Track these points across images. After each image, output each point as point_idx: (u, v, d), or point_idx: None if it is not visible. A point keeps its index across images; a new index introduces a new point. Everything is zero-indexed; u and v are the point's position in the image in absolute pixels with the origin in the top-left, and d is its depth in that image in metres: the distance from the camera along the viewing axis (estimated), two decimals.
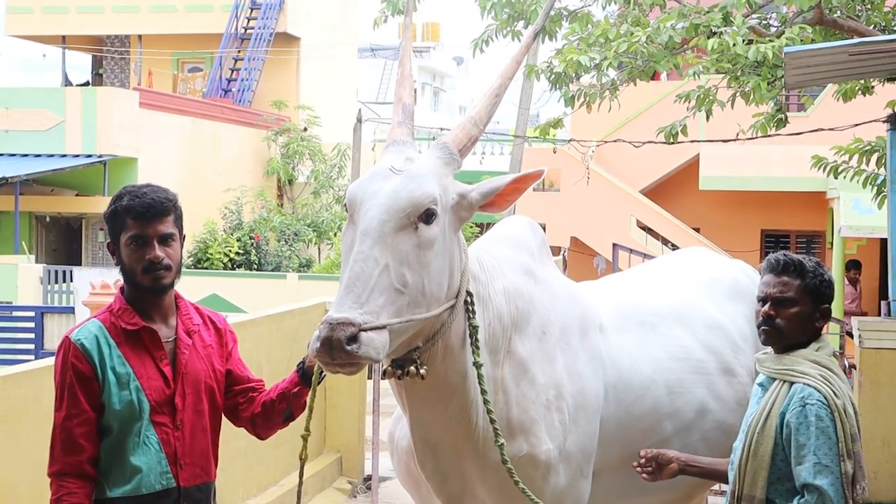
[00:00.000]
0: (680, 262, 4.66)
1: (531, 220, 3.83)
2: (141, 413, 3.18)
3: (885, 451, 7.93)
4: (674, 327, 4.06)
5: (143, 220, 3.20)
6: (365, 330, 2.80)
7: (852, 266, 16.71)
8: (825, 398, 3.14)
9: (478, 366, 3.22)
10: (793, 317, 3.33)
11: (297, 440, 8.86)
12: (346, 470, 9.34)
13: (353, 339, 2.78)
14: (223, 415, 3.47)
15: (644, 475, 3.56)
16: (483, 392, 3.24)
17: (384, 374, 3.15)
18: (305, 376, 3.34)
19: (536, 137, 10.47)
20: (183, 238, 3.33)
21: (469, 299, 3.22)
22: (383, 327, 2.86)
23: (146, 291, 3.25)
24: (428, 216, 3.03)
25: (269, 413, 3.38)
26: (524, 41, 3.76)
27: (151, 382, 3.21)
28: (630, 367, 3.82)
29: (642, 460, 3.58)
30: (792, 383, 3.22)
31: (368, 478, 8.98)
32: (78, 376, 3.17)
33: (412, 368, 3.09)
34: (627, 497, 3.85)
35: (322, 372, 3.24)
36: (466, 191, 3.20)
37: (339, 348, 2.77)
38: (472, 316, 3.22)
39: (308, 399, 3.33)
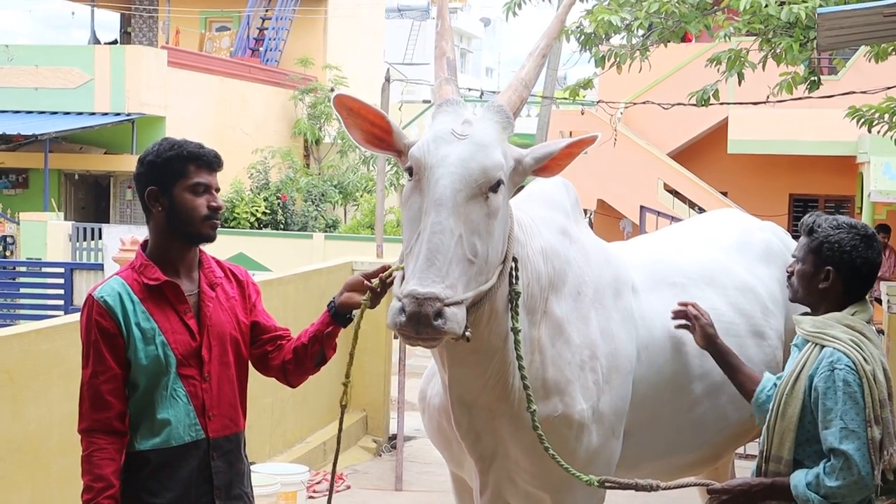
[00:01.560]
0: (711, 223, 4.64)
1: (565, 179, 3.81)
2: (168, 367, 3.20)
3: None
4: (705, 289, 4.05)
5: (208, 168, 3.25)
6: (449, 304, 2.81)
7: (881, 230, 16.51)
8: (854, 363, 3.11)
9: (516, 331, 3.22)
10: (798, 275, 3.35)
11: (323, 398, 8.98)
12: (371, 429, 9.40)
13: (439, 314, 2.78)
14: (252, 365, 3.48)
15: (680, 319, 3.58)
16: (518, 357, 3.24)
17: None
18: (337, 316, 3.33)
19: (565, 99, 10.43)
20: None
21: (514, 264, 3.22)
22: (462, 301, 2.87)
23: (195, 240, 3.28)
24: (496, 185, 3.01)
25: (302, 357, 3.37)
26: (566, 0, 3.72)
27: (177, 336, 3.23)
28: (662, 329, 3.82)
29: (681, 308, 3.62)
30: (823, 346, 3.20)
31: (393, 437, 9.04)
32: (102, 333, 3.18)
33: None
34: (657, 457, 3.86)
35: (351, 312, 3.25)
36: (521, 155, 3.18)
37: (426, 323, 2.77)
38: (515, 282, 3.21)
39: (353, 345, 3.30)
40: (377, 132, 3.19)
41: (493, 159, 3.01)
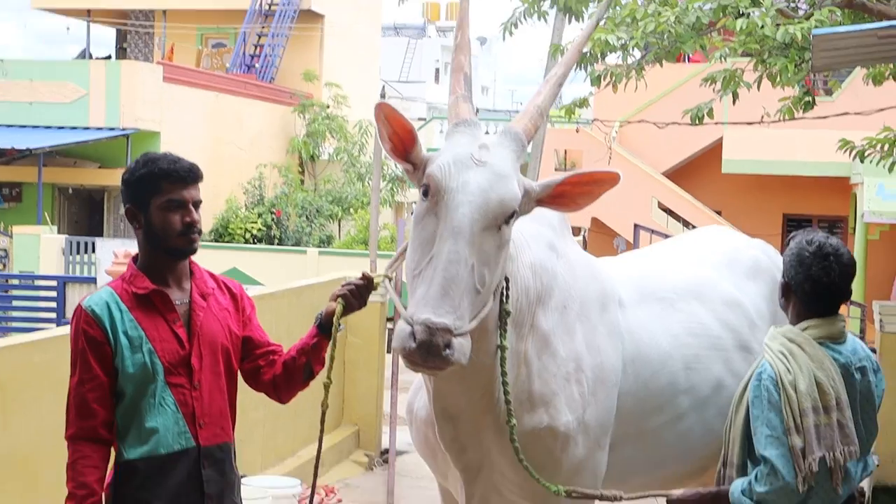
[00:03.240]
0: (700, 239, 4.65)
1: None
2: (155, 375, 3.21)
3: None
4: (692, 303, 4.06)
5: (182, 183, 3.25)
6: (457, 335, 2.83)
7: None
8: (775, 373, 3.22)
9: (503, 349, 3.23)
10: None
11: (314, 413, 8.90)
12: (363, 443, 9.39)
13: (448, 345, 2.81)
14: (243, 379, 3.49)
15: None
16: (503, 374, 3.25)
17: None
18: (323, 328, 3.34)
19: (561, 118, 10.45)
20: None
21: (506, 284, 3.23)
22: (468, 332, 2.89)
23: (175, 255, 3.28)
24: (510, 217, 3.04)
25: (290, 371, 3.38)
26: (586, 29, 3.75)
27: (165, 345, 3.23)
28: (648, 342, 3.83)
29: None
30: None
31: (385, 451, 9.03)
32: (89, 342, 3.20)
33: None
34: (643, 470, 3.87)
35: (340, 325, 3.27)
36: (531, 186, 3.19)
37: (436, 354, 2.80)
38: (505, 301, 3.23)
39: (328, 349, 3.32)
40: (402, 143, 3.19)
41: (512, 192, 3.03)
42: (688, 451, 3.94)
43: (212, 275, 3.46)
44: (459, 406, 3.36)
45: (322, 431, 3.42)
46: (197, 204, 3.29)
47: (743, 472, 3.33)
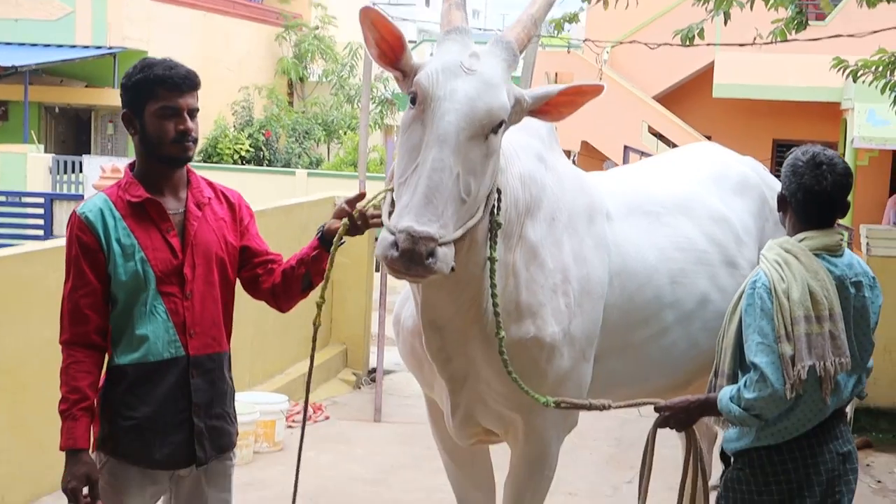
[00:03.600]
0: (689, 156, 4.64)
1: None
2: (146, 283, 3.21)
3: (887, 357, 8.00)
4: (679, 218, 4.07)
5: (177, 90, 3.20)
6: (441, 244, 2.82)
7: None
8: (769, 281, 3.23)
9: (493, 260, 3.23)
10: None
11: (304, 331, 8.99)
12: (351, 362, 9.47)
13: (431, 253, 2.80)
14: (243, 288, 3.49)
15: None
16: (492, 286, 3.25)
17: None
18: (325, 241, 3.33)
19: (551, 36, 10.35)
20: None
21: (497, 196, 3.22)
22: (452, 241, 2.88)
23: (169, 163, 3.26)
24: (498, 126, 3.01)
25: (289, 281, 3.38)
26: None
27: (157, 253, 3.22)
28: (634, 256, 3.84)
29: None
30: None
31: (373, 370, 9.10)
32: (83, 248, 3.20)
33: None
34: (628, 382, 3.90)
35: (341, 239, 3.25)
36: (521, 96, 3.16)
37: (419, 262, 2.78)
38: (496, 213, 3.22)
39: (327, 267, 3.30)
40: (391, 49, 3.15)
41: (500, 100, 3.00)
42: (672, 365, 3.97)
43: (210, 183, 3.44)
44: (447, 316, 3.37)
45: (314, 349, 3.42)
46: (193, 112, 3.25)
47: (734, 381, 3.34)
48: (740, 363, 3.34)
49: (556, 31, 9.24)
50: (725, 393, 3.27)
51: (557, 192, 3.62)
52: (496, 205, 3.22)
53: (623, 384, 3.86)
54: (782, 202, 3.42)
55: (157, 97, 3.20)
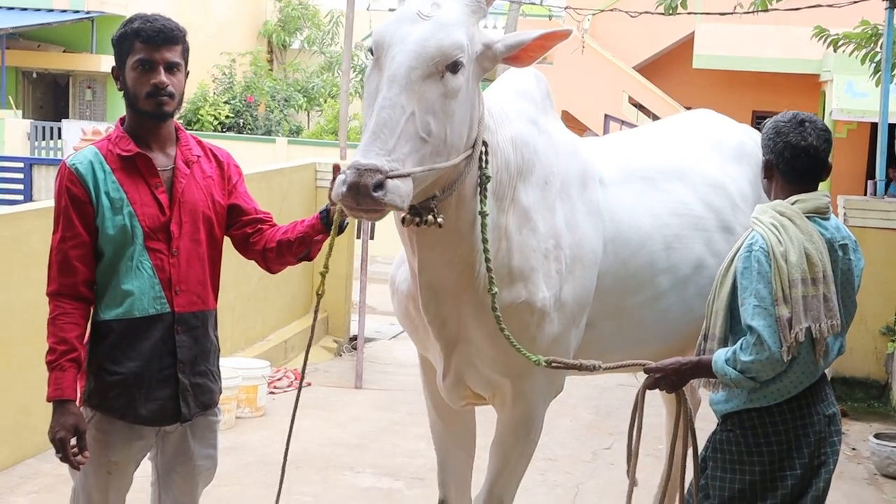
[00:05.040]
0: (686, 122, 4.64)
1: (536, 70, 3.81)
2: (134, 238, 3.22)
3: (863, 327, 8.11)
4: (675, 183, 4.08)
5: (152, 43, 3.20)
6: (391, 177, 2.81)
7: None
8: (767, 244, 3.25)
9: (483, 215, 3.26)
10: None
11: (285, 298, 9.00)
12: (332, 329, 9.50)
13: (380, 185, 2.78)
14: (234, 247, 3.51)
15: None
16: (484, 241, 3.28)
17: (403, 221, 3.15)
18: (327, 222, 3.33)
19: (532, 3, 10.34)
20: (187, 74, 3.33)
21: (484, 149, 3.24)
22: (408, 175, 2.87)
23: (147, 117, 3.26)
24: (455, 66, 3.00)
25: (285, 251, 3.39)
26: None
27: (145, 209, 3.24)
28: (628, 222, 3.86)
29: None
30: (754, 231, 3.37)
31: (354, 338, 9.13)
32: (72, 199, 3.21)
33: (430, 217, 3.10)
34: (623, 347, 3.92)
35: (344, 220, 3.25)
36: (492, 41, 3.18)
37: (365, 194, 2.78)
38: (484, 166, 3.24)
39: (329, 239, 3.31)
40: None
41: (453, 39, 3.01)
42: (667, 330, 4.00)
43: (199, 142, 3.45)
44: (443, 279, 3.39)
45: (315, 317, 3.45)
46: (171, 66, 3.23)
47: (724, 344, 3.36)
48: (731, 326, 3.37)
49: None
50: (720, 355, 3.29)
51: (551, 156, 3.63)
52: (483, 158, 3.24)
53: (618, 349, 3.88)
54: (768, 167, 3.44)
55: (134, 50, 3.22)
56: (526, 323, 3.49)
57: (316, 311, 3.44)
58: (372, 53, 3.07)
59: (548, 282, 3.52)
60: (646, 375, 3.46)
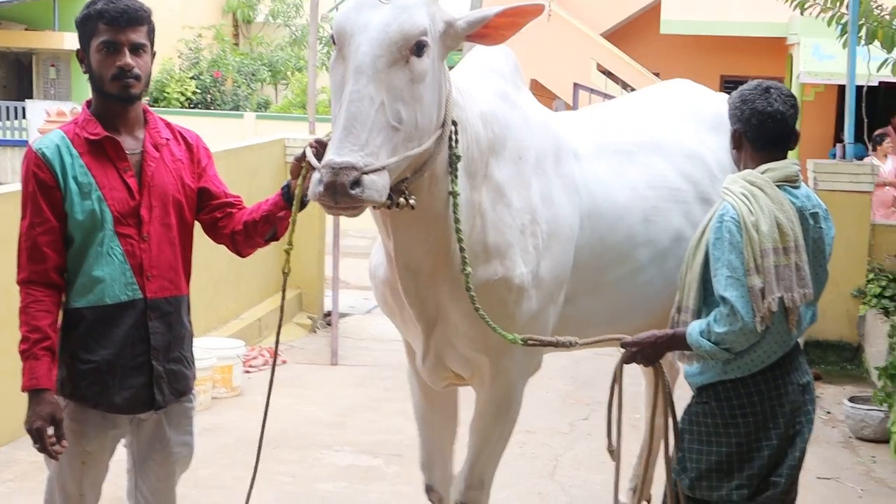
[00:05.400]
0: (662, 93, 4.60)
1: (505, 46, 3.78)
2: (103, 223, 3.17)
3: (835, 290, 8.12)
4: (651, 156, 4.05)
5: (116, 24, 3.15)
6: (366, 172, 2.78)
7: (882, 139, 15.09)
8: (738, 214, 3.24)
9: (454, 195, 3.22)
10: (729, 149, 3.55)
11: (258, 276, 8.97)
12: (305, 306, 9.46)
13: (357, 182, 2.75)
14: (204, 231, 3.46)
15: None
16: (456, 220, 3.24)
17: (374, 206, 3.14)
18: (289, 198, 3.30)
19: None
20: (153, 55, 3.28)
21: (454, 128, 3.20)
22: (383, 168, 2.84)
23: (113, 100, 3.21)
24: (419, 48, 2.96)
25: (252, 233, 3.36)
26: None
27: (114, 193, 3.19)
28: (605, 196, 3.83)
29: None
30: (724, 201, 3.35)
31: (328, 314, 9.10)
32: (40, 185, 3.15)
33: (402, 199, 3.06)
34: (604, 322, 3.91)
35: (305, 196, 3.17)
36: (453, 19, 3.13)
37: (342, 193, 2.75)
38: (454, 145, 3.21)
39: (292, 216, 3.25)
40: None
41: (415, 21, 2.96)
42: (648, 303, 3.98)
43: (168, 124, 3.40)
44: (419, 259, 3.37)
45: (283, 297, 3.41)
46: (136, 47, 3.18)
47: (698, 316, 3.36)
48: (704, 297, 3.37)
49: None
50: (695, 328, 3.29)
51: (524, 131, 3.60)
52: (453, 137, 3.21)
53: (598, 323, 3.87)
54: (736, 137, 3.43)
55: (98, 32, 3.17)
56: (504, 300, 3.47)
57: (284, 290, 3.37)
58: (334, 42, 3.01)
59: (525, 258, 3.50)
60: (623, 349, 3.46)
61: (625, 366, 3.49)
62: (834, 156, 9.32)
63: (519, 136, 3.57)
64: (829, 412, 7.24)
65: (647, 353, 3.42)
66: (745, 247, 3.21)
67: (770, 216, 3.24)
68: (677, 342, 3.36)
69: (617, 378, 3.51)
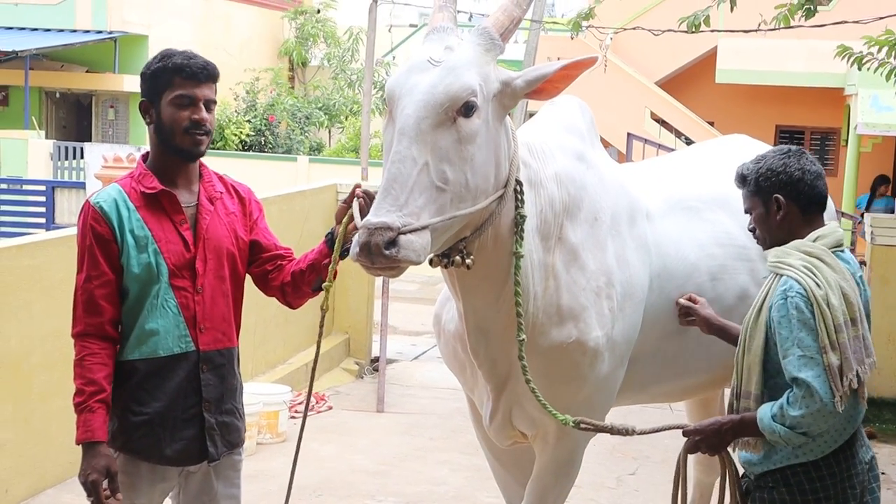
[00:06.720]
0: (722, 148, 4.56)
1: (580, 100, 3.74)
2: (159, 276, 3.19)
3: (891, 347, 8.00)
4: (718, 213, 4.00)
5: (194, 80, 3.19)
6: (404, 233, 2.77)
7: (882, 182, 16.45)
8: (805, 289, 3.06)
9: (517, 256, 3.18)
10: (757, 222, 3.33)
11: (306, 320, 8.96)
12: (353, 351, 9.44)
13: (392, 243, 2.75)
14: (254, 284, 3.47)
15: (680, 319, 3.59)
16: (516, 283, 3.20)
17: (431, 263, 3.09)
18: (333, 244, 3.27)
19: (554, 23, 10.29)
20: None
21: (518, 188, 3.17)
22: (423, 228, 2.82)
23: (181, 154, 3.24)
24: (468, 109, 2.94)
25: (299, 283, 3.36)
26: None
27: (170, 246, 3.21)
28: (675, 255, 3.78)
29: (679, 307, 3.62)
30: (781, 276, 3.16)
31: (375, 359, 9.08)
32: (97, 238, 3.18)
33: (457, 258, 3.05)
34: (662, 381, 3.86)
35: (344, 245, 3.18)
36: (510, 78, 3.10)
37: (377, 253, 2.75)
38: (520, 205, 3.17)
39: (333, 253, 3.23)
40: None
41: (462, 82, 2.94)
42: (711, 361, 3.91)
43: (221, 178, 3.43)
44: (489, 319, 3.33)
45: (321, 335, 3.38)
46: (209, 103, 3.23)
47: (761, 402, 3.16)
48: (764, 381, 3.19)
49: (574, 32, 9.22)
50: (766, 412, 3.10)
51: (599, 191, 3.56)
52: (519, 197, 3.18)
53: (661, 381, 3.84)
54: (778, 203, 3.24)
55: (174, 86, 3.20)
56: (577, 363, 3.42)
57: (321, 326, 3.34)
58: (386, 105, 3.03)
59: (600, 321, 3.46)
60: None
61: (673, 408, 3.38)
62: (860, 205, 9.22)
63: (595, 198, 3.53)
64: (883, 472, 7.05)
65: (711, 441, 3.23)
66: (818, 323, 3.03)
67: (837, 288, 3.08)
68: (746, 428, 3.17)
69: (681, 467, 3.38)
